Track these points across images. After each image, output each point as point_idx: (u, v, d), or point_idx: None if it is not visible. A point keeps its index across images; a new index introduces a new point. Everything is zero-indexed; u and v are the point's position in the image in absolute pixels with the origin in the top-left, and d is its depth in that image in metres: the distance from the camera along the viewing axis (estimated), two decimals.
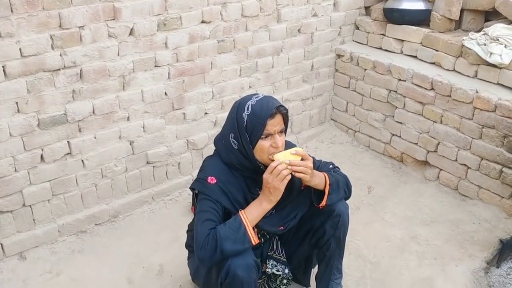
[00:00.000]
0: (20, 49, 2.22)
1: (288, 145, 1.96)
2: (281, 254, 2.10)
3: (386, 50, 3.53)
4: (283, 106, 1.82)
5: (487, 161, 2.93)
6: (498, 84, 2.92)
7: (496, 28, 2.95)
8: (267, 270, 2.08)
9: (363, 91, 3.59)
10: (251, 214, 1.80)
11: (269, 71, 3.32)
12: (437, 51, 3.20)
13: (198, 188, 1.85)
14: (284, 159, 1.77)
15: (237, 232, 1.74)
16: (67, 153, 2.56)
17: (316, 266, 2.19)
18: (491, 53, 2.87)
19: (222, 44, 2.96)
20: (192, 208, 2.30)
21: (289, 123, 3.06)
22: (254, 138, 1.78)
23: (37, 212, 2.55)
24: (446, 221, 2.91)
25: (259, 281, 2.12)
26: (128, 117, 2.72)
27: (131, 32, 2.56)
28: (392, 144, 3.49)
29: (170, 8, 2.65)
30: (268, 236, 2.05)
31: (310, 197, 1.95)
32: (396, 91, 3.36)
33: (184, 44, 2.78)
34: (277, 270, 2.08)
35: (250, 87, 3.24)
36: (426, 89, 3.15)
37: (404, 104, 3.32)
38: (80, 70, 2.44)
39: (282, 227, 1.95)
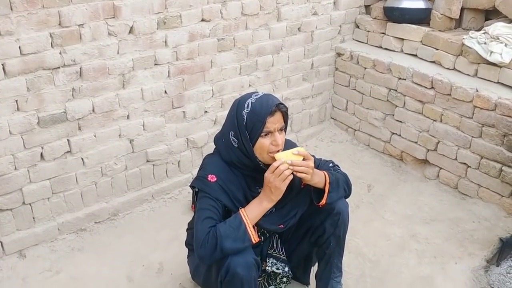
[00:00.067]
0: (19, 47, 2.22)
1: (288, 144, 1.96)
2: (281, 252, 2.10)
3: (386, 49, 3.53)
4: (283, 104, 1.82)
5: (487, 160, 2.93)
6: (498, 83, 2.92)
7: (496, 27, 2.95)
8: (267, 268, 2.08)
9: (363, 89, 3.59)
10: (252, 213, 1.80)
11: (269, 69, 3.32)
12: (437, 49, 3.20)
13: (198, 186, 1.85)
14: (286, 159, 1.77)
15: (237, 230, 1.74)
16: (67, 151, 2.56)
17: (316, 264, 2.19)
18: (491, 52, 2.87)
19: (222, 43, 2.96)
20: (192, 206, 2.30)
21: (289, 121, 3.06)
22: (254, 136, 1.78)
23: (37, 210, 2.55)
24: (446, 219, 2.91)
25: (259, 279, 2.13)
26: (128, 116, 2.72)
27: (131, 30, 2.56)
28: (392, 142, 3.49)
29: (170, 6, 2.65)
30: (268, 235, 2.05)
31: (310, 196, 1.95)
32: (396, 90, 3.36)
33: (184, 42, 2.78)
34: (277, 268, 2.08)
35: (250, 85, 3.24)
36: (426, 87, 3.15)
37: (404, 103, 3.32)
38: (80, 68, 2.44)
39: (282, 226, 1.95)
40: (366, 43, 3.66)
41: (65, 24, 2.32)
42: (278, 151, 1.81)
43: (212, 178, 1.83)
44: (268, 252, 2.09)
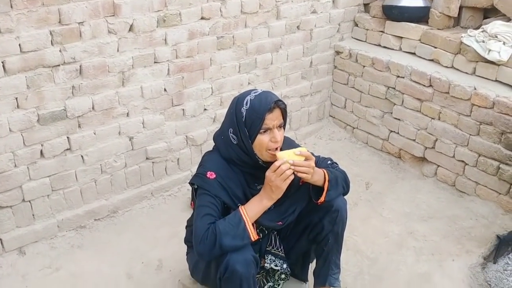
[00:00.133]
0: (19, 44, 2.23)
1: (287, 141, 1.96)
2: (279, 249, 2.11)
3: (384, 47, 3.54)
4: (281, 101, 1.82)
5: (484, 158, 2.94)
6: (496, 81, 2.93)
7: (495, 25, 2.96)
8: (266, 265, 2.08)
9: (361, 87, 3.60)
10: (251, 210, 1.81)
11: (268, 67, 3.33)
12: (435, 48, 3.21)
13: (198, 183, 1.85)
14: (288, 158, 1.78)
15: (237, 227, 1.75)
16: (67, 149, 2.56)
17: (314, 261, 2.20)
18: (489, 50, 2.88)
19: (221, 41, 2.97)
20: (191, 204, 2.32)
21: (288, 119, 3.07)
22: (253, 132, 1.79)
23: (36, 208, 2.56)
24: (444, 217, 2.93)
25: (258, 276, 2.13)
26: (127, 113, 2.73)
27: (130, 28, 2.56)
28: (390, 140, 3.51)
29: (169, 4, 2.65)
30: (266, 231, 2.06)
31: (308, 193, 1.96)
32: (394, 88, 3.36)
33: (184, 40, 2.79)
34: (276, 265, 2.08)
35: (249, 83, 3.25)
36: (424, 86, 3.16)
37: (403, 101, 3.33)
38: (80, 66, 2.45)
39: (280, 222, 1.95)
40: (365, 41, 3.67)
41: (65, 22, 2.32)
42: (277, 148, 1.81)
43: (211, 175, 1.83)
44: (267, 249, 2.09)
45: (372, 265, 2.55)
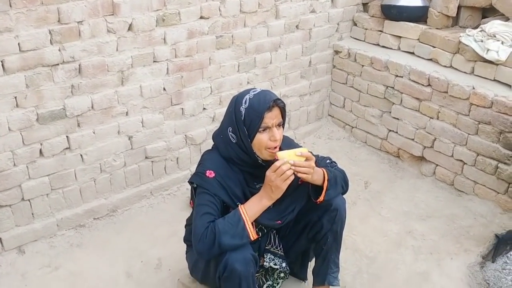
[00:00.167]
0: (19, 43, 2.23)
1: (286, 140, 1.97)
2: (278, 248, 2.11)
3: (383, 47, 3.54)
4: (280, 100, 1.82)
5: (483, 157, 2.95)
6: (494, 80, 2.94)
7: (493, 25, 2.97)
8: (265, 264, 2.08)
9: (360, 87, 3.61)
10: (251, 210, 1.81)
11: (267, 67, 3.33)
12: (434, 47, 3.22)
13: (197, 182, 1.86)
14: (288, 159, 1.78)
15: (236, 226, 1.75)
16: (66, 148, 2.57)
17: (313, 260, 2.20)
18: (488, 50, 2.89)
19: (220, 40, 2.97)
20: (190, 203, 2.32)
21: (287, 119, 3.07)
22: (252, 131, 1.79)
23: (36, 206, 2.56)
24: (442, 216, 2.93)
25: (257, 275, 2.14)
26: (127, 112, 2.73)
27: (130, 28, 2.56)
28: (389, 139, 3.51)
29: (168, 3, 2.65)
30: (265, 230, 2.06)
31: (307, 191, 1.96)
32: (393, 87, 3.37)
33: (183, 39, 2.79)
34: (275, 264, 2.09)
35: (248, 82, 3.25)
36: (423, 85, 3.17)
37: (401, 100, 3.34)
38: (79, 65, 2.45)
39: (279, 221, 1.96)
40: (364, 40, 3.68)
41: (64, 21, 2.32)
42: (276, 146, 1.82)
43: (210, 174, 1.84)
44: (266, 247, 2.10)
45: (371, 264, 2.55)
